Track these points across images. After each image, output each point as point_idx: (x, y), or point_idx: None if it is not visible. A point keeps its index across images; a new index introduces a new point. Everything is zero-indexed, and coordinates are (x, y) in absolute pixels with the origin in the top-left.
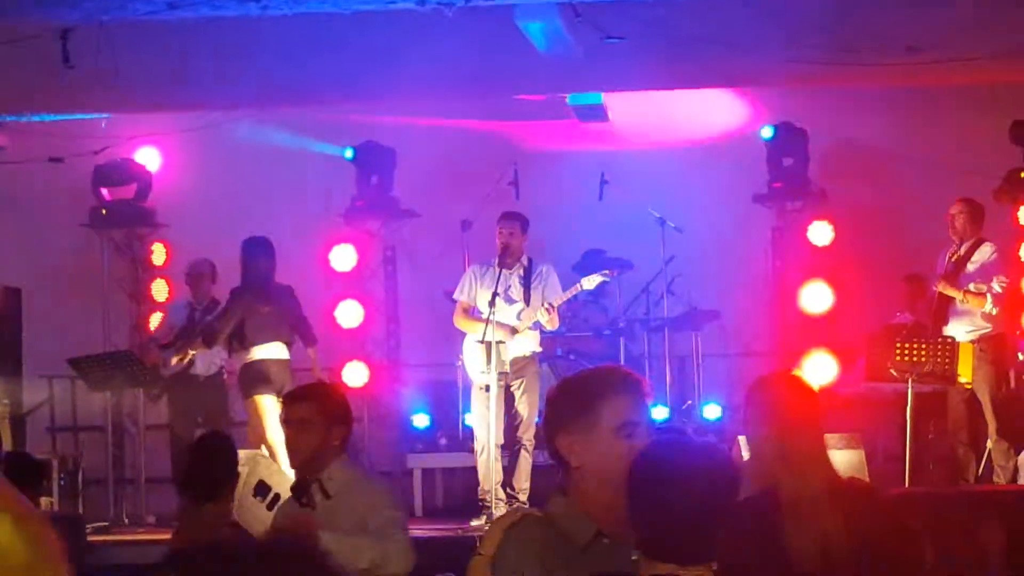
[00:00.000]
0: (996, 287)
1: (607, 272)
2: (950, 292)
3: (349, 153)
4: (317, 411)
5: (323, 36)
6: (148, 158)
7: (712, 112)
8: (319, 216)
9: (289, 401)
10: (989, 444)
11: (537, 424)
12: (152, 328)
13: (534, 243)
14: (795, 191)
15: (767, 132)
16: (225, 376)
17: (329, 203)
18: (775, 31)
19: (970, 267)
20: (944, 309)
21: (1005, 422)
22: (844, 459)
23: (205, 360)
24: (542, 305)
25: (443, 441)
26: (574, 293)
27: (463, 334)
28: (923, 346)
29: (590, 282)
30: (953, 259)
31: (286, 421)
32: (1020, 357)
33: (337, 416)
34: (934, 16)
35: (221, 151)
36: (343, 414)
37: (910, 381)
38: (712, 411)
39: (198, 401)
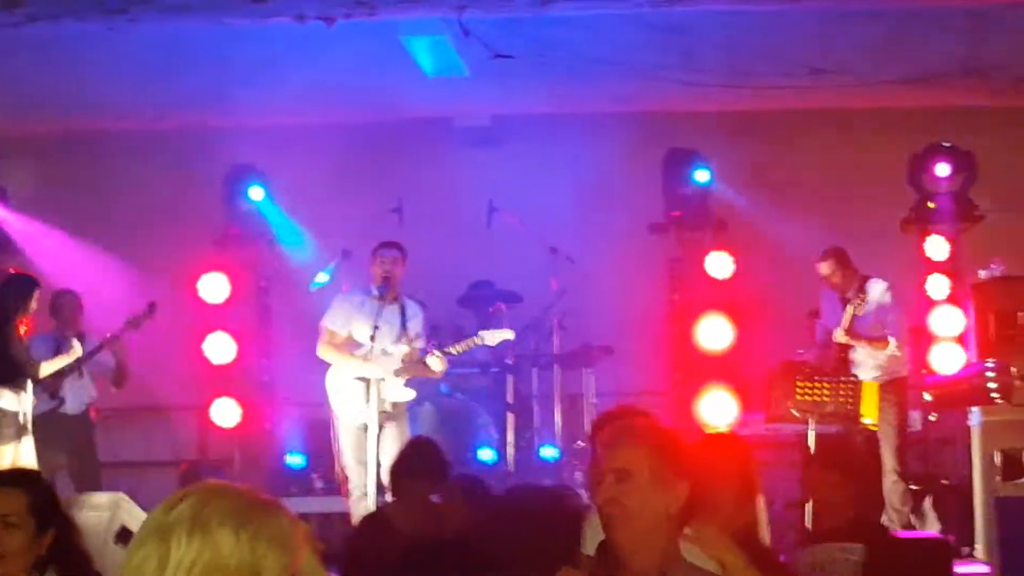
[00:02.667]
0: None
1: (512, 332)
2: (852, 342)
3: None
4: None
5: (197, 51)
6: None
7: (606, 137)
8: (189, 243)
9: None
10: (886, 486)
11: None
12: None
13: (418, 273)
14: (694, 220)
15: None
16: (93, 414)
17: (200, 229)
18: (671, 53)
19: (865, 310)
20: (845, 352)
21: (904, 466)
22: None
23: (76, 398)
24: (426, 349)
25: (319, 484)
26: (471, 346)
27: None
28: (825, 385)
29: (492, 338)
30: (857, 312)
31: None
32: (926, 397)
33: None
34: (839, 39)
35: (83, 173)
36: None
37: (811, 421)
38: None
39: (65, 442)
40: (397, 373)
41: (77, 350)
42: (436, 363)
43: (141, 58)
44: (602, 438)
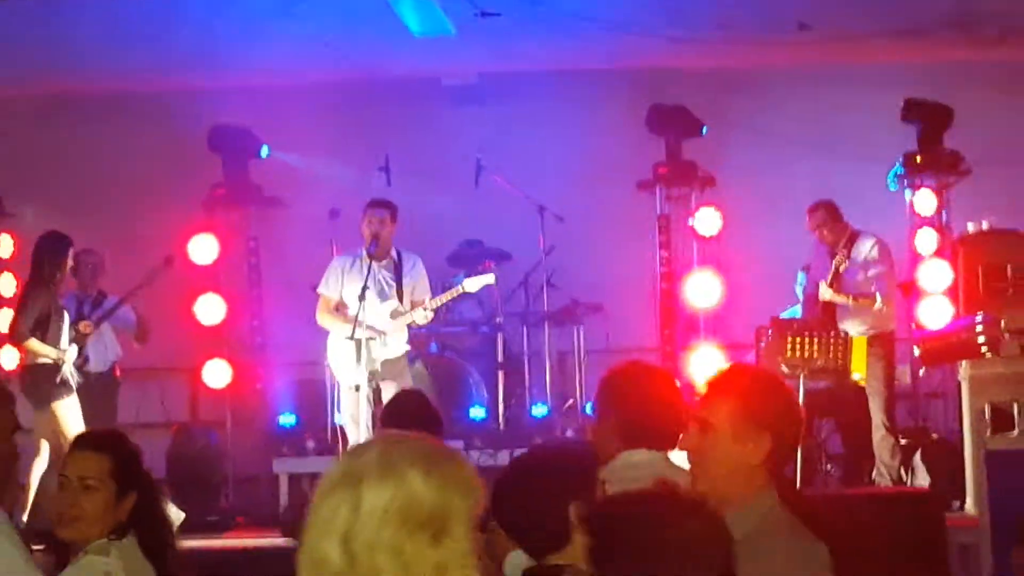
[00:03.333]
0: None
1: (492, 275)
2: (838, 299)
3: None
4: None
5: (182, 11)
6: None
7: (593, 94)
8: (177, 204)
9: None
10: (876, 440)
11: None
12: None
13: (406, 233)
14: (681, 176)
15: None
16: (118, 373)
17: (187, 190)
18: (658, 9)
19: (852, 266)
20: (831, 307)
21: (892, 420)
22: None
23: (100, 355)
24: (415, 302)
25: (311, 444)
26: (455, 295)
27: (328, 331)
28: (815, 341)
29: (473, 284)
30: (840, 268)
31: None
32: (916, 352)
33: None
34: None
35: (72, 137)
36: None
37: (802, 377)
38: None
39: (87, 400)
40: (387, 328)
41: (63, 354)
42: (420, 316)
43: (128, 19)
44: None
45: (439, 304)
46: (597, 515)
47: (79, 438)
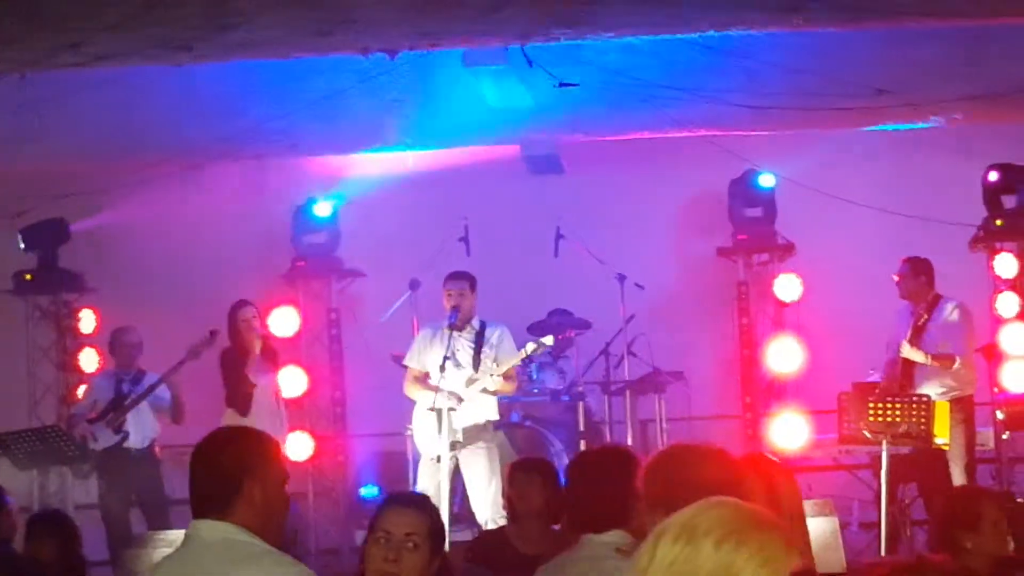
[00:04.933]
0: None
1: (551, 336)
2: (915, 357)
3: (328, 210)
4: None
5: (261, 86)
6: (73, 218)
7: (672, 162)
8: (259, 277)
9: None
10: None
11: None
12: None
13: (486, 303)
14: (761, 243)
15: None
16: (158, 449)
17: (269, 263)
18: (735, 76)
19: (932, 327)
20: (911, 370)
21: (973, 484)
22: (817, 527)
23: (139, 433)
24: (491, 371)
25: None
26: (517, 360)
27: (413, 401)
28: (898, 406)
29: (531, 346)
30: (919, 323)
31: None
32: (999, 416)
33: None
34: (898, 58)
35: (153, 210)
36: None
37: (884, 443)
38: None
39: (132, 477)
40: (460, 401)
41: None
42: (490, 381)
43: (205, 94)
44: None
45: (505, 368)
46: None
47: None
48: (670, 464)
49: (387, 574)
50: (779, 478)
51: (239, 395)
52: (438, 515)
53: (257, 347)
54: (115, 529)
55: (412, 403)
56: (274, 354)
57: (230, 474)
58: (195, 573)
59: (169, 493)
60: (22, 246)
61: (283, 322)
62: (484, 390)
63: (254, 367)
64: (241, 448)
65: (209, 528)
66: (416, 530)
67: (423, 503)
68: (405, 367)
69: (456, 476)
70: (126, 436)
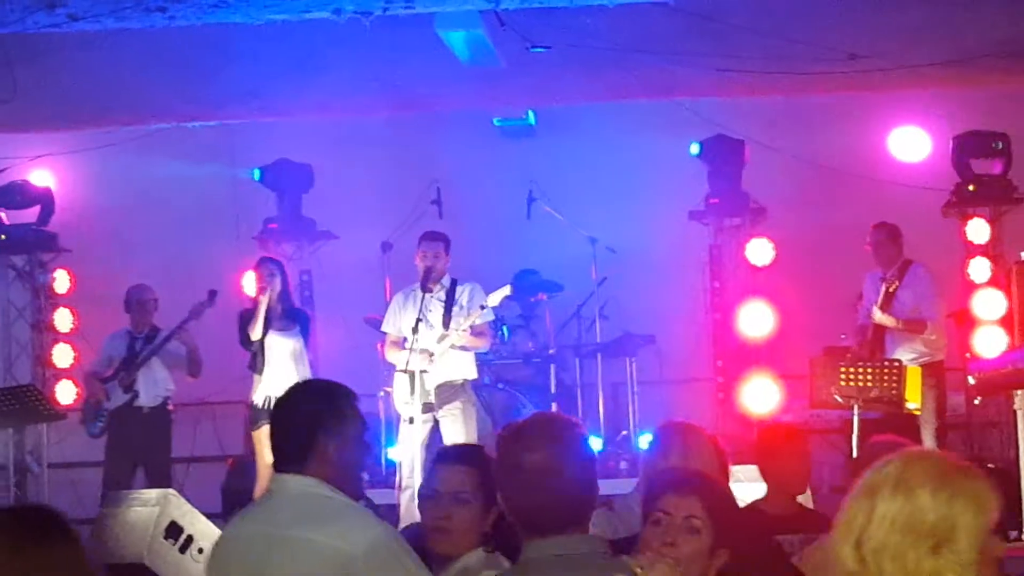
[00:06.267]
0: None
1: (509, 286)
2: (886, 322)
3: (256, 174)
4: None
5: (233, 47)
6: (47, 179)
7: (643, 125)
8: (230, 239)
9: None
10: None
11: None
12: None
13: (459, 264)
14: (733, 207)
15: (694, 148)
16: (171, 407)
17: (240, 225)
18: (707, 40)
19: (903, 293)
20: (882, 335)
21: (944, 449)
22: None
23: (150, 391)
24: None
25: (364, 476)
26: (480, 317)
27: (385, 362)
28: (869, 370)
29: (494, 299)
30: (890, 289)
31: None
32: (970, 381)
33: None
34: (874, 23)
35: (125, 171)
36: None
37: (856, 407)
38: (648, 441)
39: (139, 436)
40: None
41: None
42: (456, 337)
43: (179, 54)
44: None
45: (469, 323)
46: None
47: None
48: None
49: (440, 529)
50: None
51: (250, 354)
52: (488, 464)
53: (264, 305)
54: (111, 490)
55: (387, 365)
56: (294, 313)
57: (303, 429)
58: (275, 525)
59: (179, 451)
60: None
61: (254, 284)
62: (454, 346)
63: (271, 326)
64: (313, 403)
65: (293, 482)
66: (462, 486)
67: (470, 456)
68: (384, 333)
69: (436, 436)
70: (136, 395)
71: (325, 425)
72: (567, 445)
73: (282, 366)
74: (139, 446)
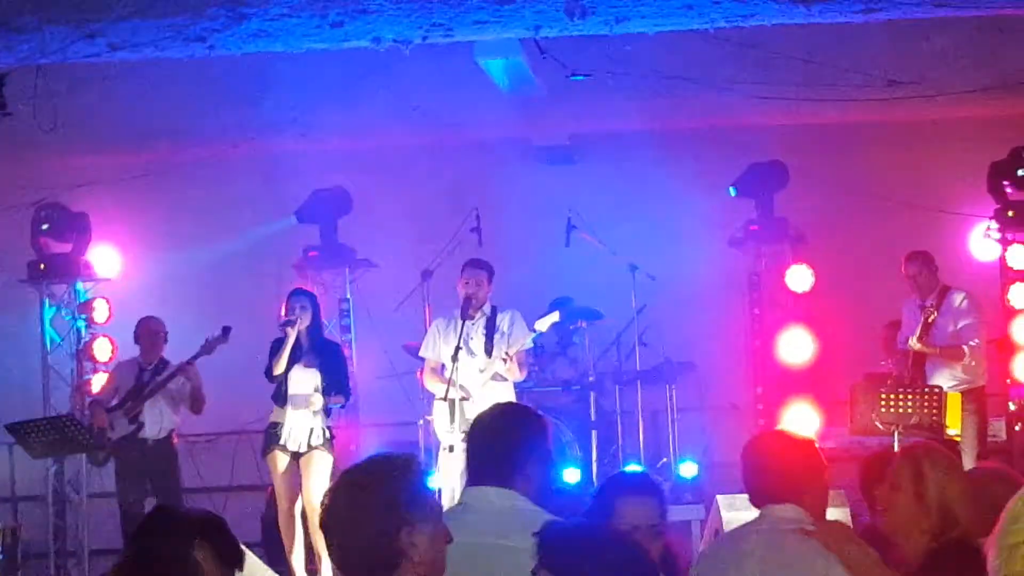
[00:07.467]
0: (970, 343)
1: (557, 312)
2: (925, 350)
3: (293, 219)
4: None
5: (273, 76)
6: (87, 208)
7: (683, 152)
8: (270, 267)
9: None
10: None
11: None
12: (94, 390)
13: (497, 292)
14: (773, 234)
15: (732, 191)
16: (175, 440)
17: (280, 253)
18: (747, 67)
19: (942, 320)
20: (922, 361)
21: None
22: (828, 517)
23: (155, 424)
24: (502, 356)
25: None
26: (531, 338)
27: (425, 390)
28: (909, 397)
29: (543, 324)
30: (928, 319)
31: None
32: (1011, 407)
33: None
34: (913, 49)
35: (165, 199)
36: None
37: (896, 433)
38: (688, 469)
39: (147, 466)
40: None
41: None
42: (500, 366)
43: (219, 84)
44: None
45: (515, 351)
46: None
47: None
48: None
49: None
50: None
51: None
52: (663, 497)
53: (292, 338)
54: (129, 517)
55: (425, 392)
56: (324, 345)
57: (511, 449)
58: (488, 536)
59: (218, 480)
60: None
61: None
62: (495, 376)
63: (298, 360)
64: (522, 426)
65: (495, 494)
66: (654, 519)
67: (651, 487)
68: (422, 358)
69: None
70: (141, 426)
71: (530, 446)
72: None
73: (301, 401)
74: (148, 476)
